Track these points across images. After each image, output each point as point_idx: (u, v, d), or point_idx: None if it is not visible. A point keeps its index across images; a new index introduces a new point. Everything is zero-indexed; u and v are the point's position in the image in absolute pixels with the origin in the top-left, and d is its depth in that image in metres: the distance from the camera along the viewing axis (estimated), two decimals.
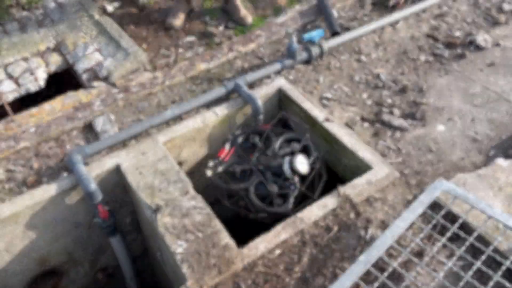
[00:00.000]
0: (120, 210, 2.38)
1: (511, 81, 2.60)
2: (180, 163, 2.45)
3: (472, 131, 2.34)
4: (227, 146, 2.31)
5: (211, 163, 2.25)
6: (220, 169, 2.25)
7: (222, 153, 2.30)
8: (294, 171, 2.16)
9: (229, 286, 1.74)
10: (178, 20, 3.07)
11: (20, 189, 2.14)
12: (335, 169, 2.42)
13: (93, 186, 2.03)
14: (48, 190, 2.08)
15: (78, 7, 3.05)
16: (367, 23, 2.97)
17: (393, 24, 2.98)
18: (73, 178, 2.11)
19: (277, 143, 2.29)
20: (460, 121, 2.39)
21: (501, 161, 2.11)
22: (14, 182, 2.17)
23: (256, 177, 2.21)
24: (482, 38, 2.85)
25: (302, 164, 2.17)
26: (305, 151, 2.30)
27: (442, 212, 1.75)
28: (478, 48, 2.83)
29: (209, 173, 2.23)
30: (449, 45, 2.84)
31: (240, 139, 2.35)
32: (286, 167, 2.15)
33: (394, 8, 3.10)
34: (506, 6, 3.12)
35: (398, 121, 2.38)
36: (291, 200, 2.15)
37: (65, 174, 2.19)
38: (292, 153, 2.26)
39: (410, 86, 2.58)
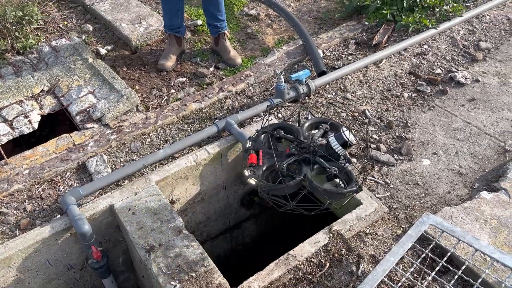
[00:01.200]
0: (113, 250, 2.39)
1: (490, 115, 2.71)
2: (172, 202, 2.48)
3: (456, 165, 2.42)
4: (252, 152, 2.07)
5: (247, 173, 1.99)
6: (261, 173, 1.99)
7: (253, 160, 2.04)
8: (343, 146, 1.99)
9: None
10: (170, 62, 3.16)
11: (13, 232, 2.15)
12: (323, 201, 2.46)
13: (86, 227, 2.05)
14: (41, 232, 2.08)
15: (72, 51, 3.14)
16: (352, 62, 3.09)
17: (376, 63, 3.11)
18: (66, 219, 2.13)
19: (307, 128, 2.16)
20: (444, 155, 2.47)
21: (485, 194, 2.18)
22: (6, 225, 2.18)
23: (306, 166, 1.98)
24: (461, 75, 2.98)
25: (350, 134, 1.98)
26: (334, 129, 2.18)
27: (431, 246, 1.80)
28: (459, 84, 2.95)
29: (253, 181, 1.95)
30: (431, 81, 2.96)
31: (262, 139, 2.15)
32: (335, 144, 1.96)
33: (376, 47, 3.24)
34: (482, 44, 3.28)
35: (385, 156, 2.45)
36: (354, 176, 1.97)
37: (58, 216, 2.20)
38: (325, 134, 2.13)
39: (395, 122, 2.67)
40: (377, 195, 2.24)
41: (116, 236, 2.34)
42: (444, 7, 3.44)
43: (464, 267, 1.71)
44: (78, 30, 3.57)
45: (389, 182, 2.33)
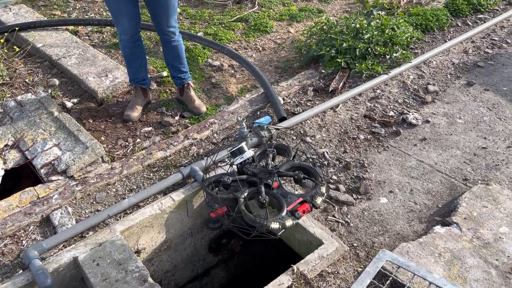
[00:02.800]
0: None
1: (441, 153, 2.89)
2: (138, 251, 2.49)
3: (411, 202, 2.54)
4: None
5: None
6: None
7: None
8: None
9: None
10: (136, 113, 3.25)
11: None
12: (290, 245, 2.52)
13: (49, 280, 2.03)
14: None
15: (38, 105, 3.18)
16: (310, 107, 3.26)
17: (333, 108, 3.28)
18: (29, 274, 2.10)
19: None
20: (400, 193, 2.60)
21: (438, 229, 2.30)
22: None
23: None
24: (412, 116, 3.18)
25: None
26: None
27: (388, 282, 1.87)
28: (410, 125, 3.14)
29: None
30: (385, 124, 3.14)
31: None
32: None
33: (333, 93, 3.43)
34: (431, 87, 3.52)
35: (344, 196, 2.56)
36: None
37: (20, 271, 2.17)
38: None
39: (352, 163, 2.81)
40: (337, 234, 2.32)
41: (80, 285, 2.31)
42: (394, 54, 3.70)
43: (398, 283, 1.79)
44: (45, 84, 3.64)
45: (349, 221, 2.42)
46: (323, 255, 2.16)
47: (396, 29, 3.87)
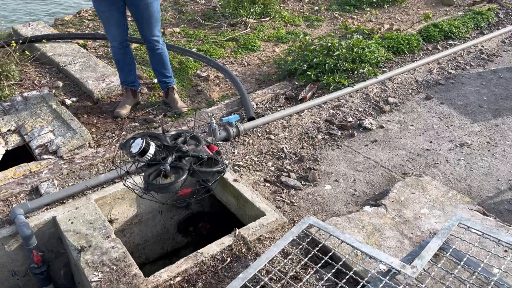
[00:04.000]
0: (55, 261, 2.72)
1: (387, 153, 3.24)
2: (111, 221, 2.87)
3: (352, 189, 2.89)
4: None
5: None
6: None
7: None
8: None
9: None
10: (125, 110, 3.70)
11: None
12: (243, 221, 2.87)
13: (29, 231, 2.42)
14: None
15: (40, 99, 3.67)
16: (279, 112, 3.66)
17: (299, 112, 3.68)
18: (13, 228, 2.50)
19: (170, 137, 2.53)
20: (343, 182, 2.95)
21: (367, 208, 2.63)
22: None
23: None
24: (368, 121, 3.56)
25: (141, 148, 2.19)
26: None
27: (307, 240, 2.21)
28: (365, 129, 3.51)
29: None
30: (343, 127, 3.52)
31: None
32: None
33: (302, 101, 3.83)
34: (391, 99, 3.90)
35: (293, 182, 2.92)
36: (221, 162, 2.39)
37: (7, 226, 2.58)
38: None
39: (306, 156, 3.18)
40: (281, 211, 2.67)
41: (58, 247, 2.69)
42: (361, 70, 4.11)
43: (331, 254, 2.12)
44: (50, 86, 4.14)
45: (294, 201, 2.77)
46: (263, 224, 2.51)
47: (366, 49, 4.29)
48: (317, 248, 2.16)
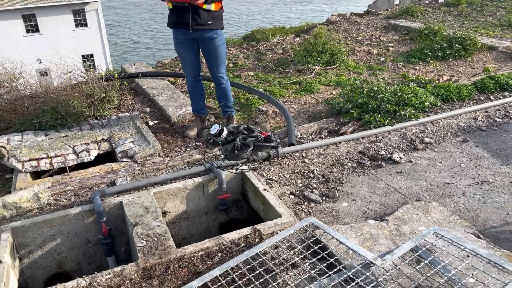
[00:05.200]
0: (118, 238, 3.47)
1: (408, 182, 3.58)
2: (164, 213, 3.57)
3: (366, 208, 3.28)
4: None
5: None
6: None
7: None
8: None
9: (163, 265, 2.71)
10: (192, 132, 4.51)
11: (59, 209, 3.37)
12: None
13: (101, 208, 3.21)
14: (75, 210, 3.28)
15: (129, 119, 4.64)
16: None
17: (336, 144, 4.17)
18: (92, 206, 3.31)
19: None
20: (360, 201, 3.36)
21: (370, 221, 3.02)
22: (58, 206, 3.41)
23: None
24: (398, 155, 3.93)
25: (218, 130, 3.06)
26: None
27: (305, 234, 2.69)
28: (394, 162, 3.88)
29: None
30: (373, 158, 3.93)
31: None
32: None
33: (342, 134, 4.32)
34: (426, 139, 4.22)
35: (314, 196, 3.40)
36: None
37: (88, 204, 3.41)
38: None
39: (333, 178, 3.64)
40: (298, 218, 3.16)
41: (122, 227, 3.45)
42: (402, 112, 4.50)
43: (320, 244, 2.56)
44: (140, 110, 5.15)
45: (311, 211, 3.25)
46: (277, 223, 3.03)
47: (411, 94, 4.68)
48: (318, 246, 2.62)
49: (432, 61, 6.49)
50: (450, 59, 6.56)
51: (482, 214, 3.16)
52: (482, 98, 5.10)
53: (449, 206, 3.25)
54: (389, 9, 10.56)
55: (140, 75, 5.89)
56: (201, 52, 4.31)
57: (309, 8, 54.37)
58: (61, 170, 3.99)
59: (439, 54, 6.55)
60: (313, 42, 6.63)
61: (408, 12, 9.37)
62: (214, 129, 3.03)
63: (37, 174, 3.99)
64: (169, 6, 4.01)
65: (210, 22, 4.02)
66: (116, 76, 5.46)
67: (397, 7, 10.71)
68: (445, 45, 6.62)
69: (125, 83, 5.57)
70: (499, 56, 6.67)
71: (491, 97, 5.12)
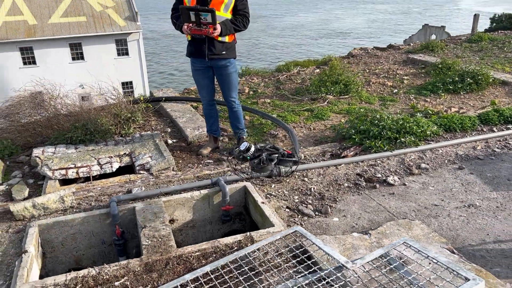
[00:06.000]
0: (130, 241, 3.86)
1: (398, 203, 3.82)
2: (172, 220, 3.95)
3: (354, 223, 3.55)
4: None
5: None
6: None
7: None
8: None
9: (163, 261, 3.06)
10: (206, 151, 4.92)
11: (80, 211, 3.80)
12: None
13: (116, 211, 3.62)
14: (94, 212, 3.71)
15: (150, 137, 5.11)
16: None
17: (336, 166, 4.47)
18: (108, 209, 3.73)
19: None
20: (350, 217, 3.63)
21: (355, 234, 3.29)
22: (79, 209, 3.85)
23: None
24: (392, 178, 4.19)
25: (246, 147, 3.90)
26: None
27: (292, 243, 2.99)
28: (389, 184, 4.14)
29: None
30: (369, 180, 4.20)
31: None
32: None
33: (343, 158, 4.62)
34: (423, 165, 4.46)
35: (308, 211, 3.70)
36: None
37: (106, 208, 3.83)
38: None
39: (328, 196, 3.94)
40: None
41: (134, 231, 3.84)
42: (402, 139, 4.76)
43: (302, 249, 2.86)
44: (161, 130, 5.63)
45: (303, 224, 3.55)
46: (269, 231, 3.34)
47: (412, 123, 4.95)
48: (300, 251, 2.92)
49: (443, 94, 6.73)
50: (461, 93, 6.77)
51: (462, 233, 3.37)
52: (485, 130, 5.29)
53: (432, 225, 3.48)
54: (411, 44, 10.86)
55: (163, 99, 6.42)
56: (215, 79, 4.77)
57: (345, 42, 55.11)
58: (86, 179, 4.47)
59: (451, 87, 6.78)
60: (328, 73, 7.02)
61: (428, 47, 9.65)
62: (243, 146, 3.67)
63: (65, 182, 4.48)
64: (188, 38, 4.51)
65: (224, 52, 4.48)
66: (142, 99, 6.00)
67: (418, 42, 11.00)
68: (457, 79, 6.86)
69: (150, 105, 6.10)
70: (511, 91, 6.83)
71: (494, 129, 5.31)
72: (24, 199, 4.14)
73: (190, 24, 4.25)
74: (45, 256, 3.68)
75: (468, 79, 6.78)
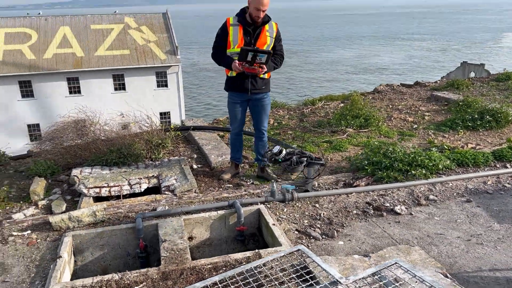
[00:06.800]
0: (152, 255, 4.23)
1: (402, 231, 4.03)
2: (191, 238, 4.30)
3: (358, 247, 3.79)
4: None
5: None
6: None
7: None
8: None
9: (179, 271, 3.41)
10: (226, 176, 5.30)
11: (107, 225, 4.23)
12: None
13: (141, 226, 4.02)
14: (121, 226, 4.12)
15: (177, 161, 5.56)
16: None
17: (347, 194, 4.73)
18: (134, 224, 4.14)
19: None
20: (354, 241, 3.88)
21: (356, 256, 3.54)
22: (109, 223, 4.28)
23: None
24: (400, 208, 4.41)
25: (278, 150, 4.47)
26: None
27: (294, 257, 3.28)
28: (396, 213, 4.36)
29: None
30: (377, 209, 4.43)
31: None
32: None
33: (356, 186, 4.88)
34: (431, 197, 4.65)
35: (315, 234, 3.98)
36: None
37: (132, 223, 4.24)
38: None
39: (336, 222, 4.20)
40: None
41: (156, 246, 4.21)
42: (413, 171, 4.98)
43: (303, 265, 3.14)
44: (188, 156, 6.07)
45: (309, 245, 3.82)
46: (276, 250, 3.63)
47: (423, 156, 5.17)
48: (300, 267, 3.21)
49: (461, 130, 6.89)
50: (480, 130, 6.91)
51: (460, 261, 3.54)
52: (498, 166, 5.43)
53: (432, 252, 3.67)
54: (438, 81, 11.05)
55: (191, 128, 6.91)
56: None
57: (380, 78, 55.27)
58: (117, 197, 4.92)
59: (469, 124, 6.94)
60: (349, 108, 7.34)
61: (453, 85, 9.83)
62: (276, 149, 4.27)
63: (98, 199, 4.95)
64: (229, 73, 4.93)
65: (263, 87, 4.96)
66: (172, 127, 6.51)
67: (445, 79, 11.17)
68: (476, 116, 7.02)
69: (179, 133, 6.60)
70: None
71: (508, 165, 5.43)
72: (62, 212, 4.61)
73: (243, 63, 4.68)
74: (76, 264, 4.10)
75: (488, 117, 6.92)
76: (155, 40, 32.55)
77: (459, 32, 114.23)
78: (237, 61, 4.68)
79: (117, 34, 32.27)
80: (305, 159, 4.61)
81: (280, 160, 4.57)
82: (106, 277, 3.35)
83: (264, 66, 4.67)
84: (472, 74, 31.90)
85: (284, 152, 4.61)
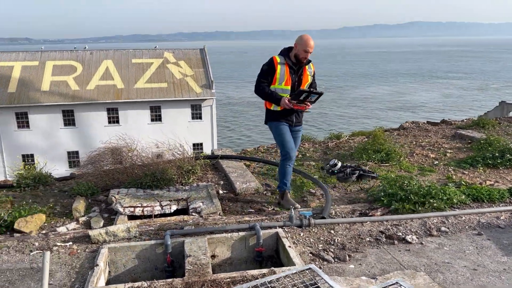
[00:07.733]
0: (178, 270, 4.62)
1: (411, 258, 4.27)
2: (213, 256, 4.67)
3: (367, 271, 4.06)
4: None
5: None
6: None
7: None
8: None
9: (200, 282, 3.78)
10: (297, 204, 5.66)
11: (137, 241, 4.66)
12: None
13: (169, 242, 4.44)
14: (151, 242, 4.55)
15: (204, 187, 6.00)
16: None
17: (362, 223, 5.01)
18: (163, 241, 4.56)
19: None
20: (364, 265, 4.14)
21: (363, 277, 3.80)
22: (141, 238, 4.72)
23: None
24: (411, 237, 4.65)
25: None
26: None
27: (303, 272, 3.59)
28: (407, 242, 4.60)
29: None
30: (389, 237, 4.69)
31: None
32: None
33: (371, 216, 5.15)
34: (443, 228, 4.87)
35: (328, 257, 4.27)
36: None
37: (160, 239, 4.66)
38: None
39: (349, 247, 4.48)
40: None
41: (181, 261, 4.60)
42: (427, 204, 5.21)
43: (313, 281, 3.45)
44: (215, 182, 6.52)
45: (322, 267, 4.12)
46: (290, 268, 3.95)
47: (437, 190, 5.40)
48: (311, 283, 3.52)
49: (481, 168, 7.05)
50: (500, 167, 7.05)
51: (463, 287, 3.75)
52: None
53: (438, 278, 3.89)
54: (464, 120, 11.19)
55: (219, 156, 7.38)
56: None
57: (413, 115, 54.90)
58: (149, 216, 5.38)
59: (490, 162, 7.10)
60: (371, 142, 7.65)
61: (479, 123, 9.97)
62: (332, 161, 4.94)
63: (132, 217, 5.43)
64: (277, 108, 5.33)
65: (302, 120, 5.46)
66: (202, 155, 7.00)
67: (469, 119, 11.29)
68: (497, 154, 7.17)
69: (208, 161, 7.07)
70: None
71: None
72: (99, 228, 5.10)
73: (294, 101, 5.10)
74: (110, 274, 4.53)
75: (508, 155, 7.06)
76: (191, 74, 33.95)
77: (498, 71, 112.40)
78: (286, 98, 5.11)
79: (156, 68, 33.91)
80: (358, 171, 5.65)
81: (335, 171, 5.30)
82: (136, 284, 3.76)
83: (309, 103, 5.12)
84: (511, 114, 31.39)
85: (339, 164, 5.82)
